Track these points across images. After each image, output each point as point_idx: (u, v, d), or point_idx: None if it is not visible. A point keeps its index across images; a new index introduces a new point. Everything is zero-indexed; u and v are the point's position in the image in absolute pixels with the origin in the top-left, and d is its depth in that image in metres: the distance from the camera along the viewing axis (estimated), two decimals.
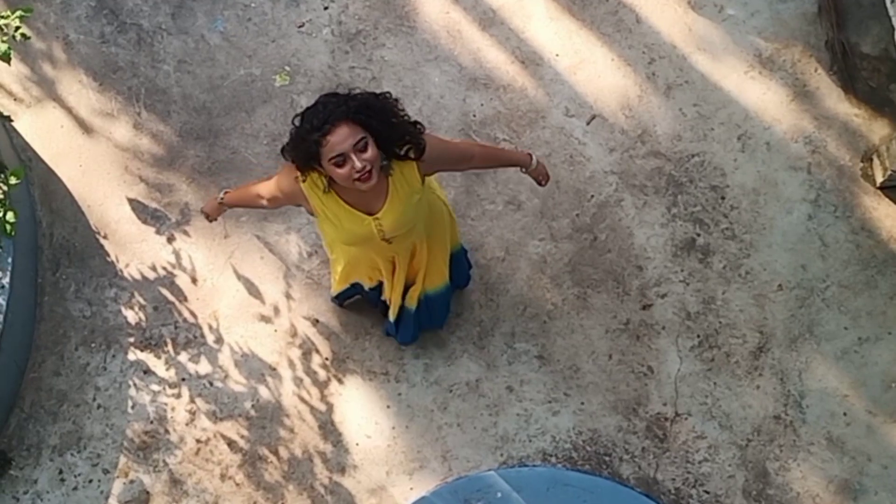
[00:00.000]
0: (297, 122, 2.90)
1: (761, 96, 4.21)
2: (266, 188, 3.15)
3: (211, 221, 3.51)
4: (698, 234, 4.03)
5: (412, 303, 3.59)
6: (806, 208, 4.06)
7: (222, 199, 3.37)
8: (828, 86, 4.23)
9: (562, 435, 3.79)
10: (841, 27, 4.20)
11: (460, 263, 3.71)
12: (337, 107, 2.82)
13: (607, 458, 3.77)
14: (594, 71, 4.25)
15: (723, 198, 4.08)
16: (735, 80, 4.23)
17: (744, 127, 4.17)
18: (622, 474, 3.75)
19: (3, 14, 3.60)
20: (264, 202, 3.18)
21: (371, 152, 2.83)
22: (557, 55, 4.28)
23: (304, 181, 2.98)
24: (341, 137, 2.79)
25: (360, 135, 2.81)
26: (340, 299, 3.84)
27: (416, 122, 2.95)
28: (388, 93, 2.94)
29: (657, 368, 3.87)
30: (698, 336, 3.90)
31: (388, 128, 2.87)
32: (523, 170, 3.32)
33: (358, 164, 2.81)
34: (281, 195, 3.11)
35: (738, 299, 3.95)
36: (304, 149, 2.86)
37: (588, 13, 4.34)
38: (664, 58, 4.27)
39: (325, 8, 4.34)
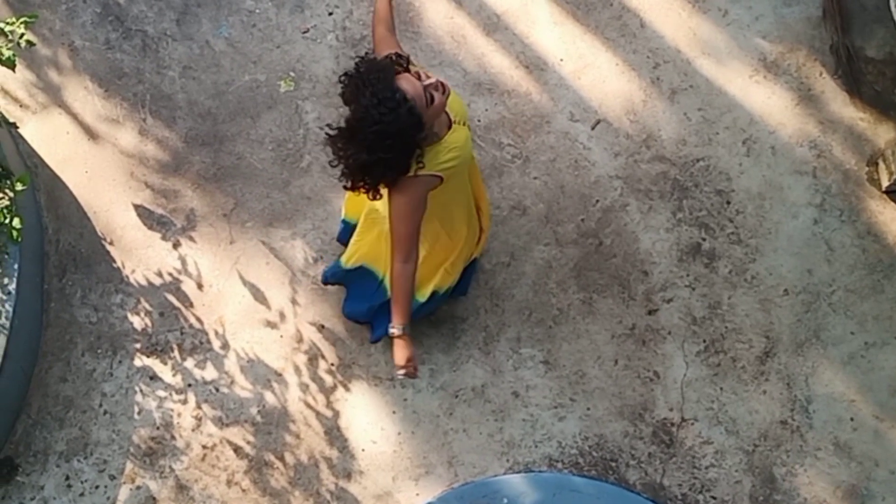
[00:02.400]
0: (373, 135, 2.84)
1: (766, 100, 4.21)
2: (405, 223, 3.02)
3: (413, 376, 3.17)
4: (704, 239, 4.03)
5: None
6: (811, 212, 4.05)
7: (402, 330, 3.11)
8: (833, 90, 4.23)
9: (568, 440, 3.79)
10: (845, 31, 4.19)
11: None
12: (380, 79, 2.85)
13: (613, 464, 3.76)
14: (598, 76, 4.24)
15: (728, 202, 4.07)
16: (740, 85, 4.23)
17: (749, 131, 4.17)
18: (628, 480, 3.75)
19: (8, 20, 3.60)
20: (415, 244, 3.08)
21: (422, 70, 2.94)
22: (562, 60, 4.28)
23: (423, 166, 2.98)
24: (410, 83, 2.87)
25: (405, 72, 2.90)
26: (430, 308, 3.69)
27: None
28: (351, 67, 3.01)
29: (663, 373, 3.87)
30: (704, 341, 3.90)
31: (392, 61, 2.97)
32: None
33: (433, 82, 2.91)
34: (423, 202, 3.06)
35: (743, 304, 3.94)
36: (408, 130, 2.85)
37: (592, 18, 4.34)
38: (669, 62, 4.26)
39: (330, 13, 4.34)
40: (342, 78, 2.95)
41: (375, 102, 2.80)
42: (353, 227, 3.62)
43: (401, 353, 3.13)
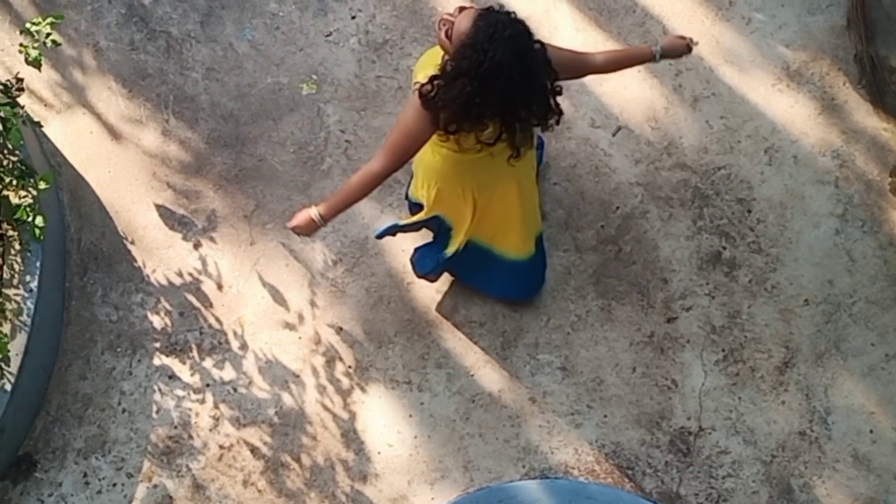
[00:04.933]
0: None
1: (789, 109, 4.19)
2: (574, 55, 3.44)
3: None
4: (724, 248, 4.01)
5: None
6: (833, 223, 4.03)
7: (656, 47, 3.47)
8: (856, 100, 4.20)
9: (584, 447, 3.78)
10: (870, 40, 4.16)
11: None
12: (472, 39, 2.98)
13: (630, 472, 3.75)
14: (620, 82, 4.24)
15: (749, 211, 4.06)
16: (762, 93, 4.21)
17: (771, 140, 4.15)
18: (645, 488, 3.73)
19: (35, 20, 3.64)
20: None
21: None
22: None
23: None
24: (466, 15, 3.04)
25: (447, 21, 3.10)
26: None
27: None
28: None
29: (681, 382, 3.85)
30: (723, 350, 3.88)
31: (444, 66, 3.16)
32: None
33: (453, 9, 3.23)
34: None
35: (763, 314, 3.92)
36: (521, 24, 3.06)
37: (615, 24, 4.33)
38: (691, 70, 4.25)
39: (353, 17, 4.36)
40: (475, 104, 3.00)
41: (504, 39, 2.92)
42: (468, 251, 3.65)
43: (677, 46, 3.47)
